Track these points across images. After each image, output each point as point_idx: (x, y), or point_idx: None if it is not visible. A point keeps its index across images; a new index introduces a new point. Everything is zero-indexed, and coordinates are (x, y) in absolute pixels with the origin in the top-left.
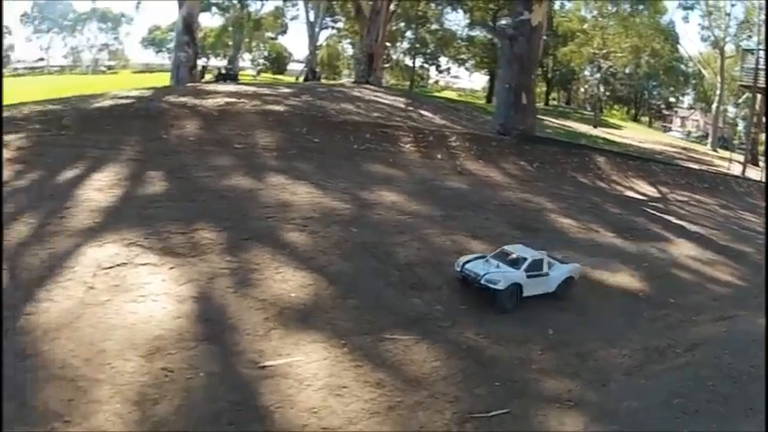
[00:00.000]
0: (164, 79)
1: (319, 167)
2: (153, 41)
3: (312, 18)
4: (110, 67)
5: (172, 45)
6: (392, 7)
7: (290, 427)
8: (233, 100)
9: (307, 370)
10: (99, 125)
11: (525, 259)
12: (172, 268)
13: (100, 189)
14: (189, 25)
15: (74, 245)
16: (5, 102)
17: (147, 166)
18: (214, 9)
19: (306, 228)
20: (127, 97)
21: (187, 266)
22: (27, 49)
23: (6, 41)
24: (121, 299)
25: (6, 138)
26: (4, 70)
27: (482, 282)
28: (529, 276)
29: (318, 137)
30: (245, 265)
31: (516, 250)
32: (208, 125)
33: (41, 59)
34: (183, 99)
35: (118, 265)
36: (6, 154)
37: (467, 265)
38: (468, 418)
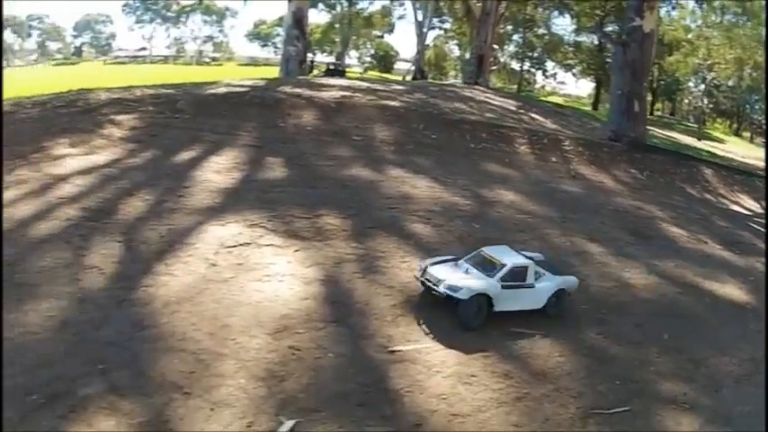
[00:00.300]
0: (271, 72)
1: (437, 163)
2: (258, 35)
3: (420, 18)
4: (214, 59)
5: (278, 39)
6: (501, 9)
7: (420, 412)
8: (348, 93)
9: (435, 357)
10: (214, 110)
11: (503, 266)
12: (297, 251)
13: (218, 171)
14: (299, 20)
15: (195, 222)
16: (115, 84)
17: (266, 153)
18: (321, 5)
19: (429, 220)
20: (240, 86)
21: (312, 250)
22: (129, 38)
23: (108, 30)
24: (246, 277)
25: (118, 117)
26: (106, 57)
27: (440, 288)
28: (505, 287)
29: (435, 133)
30: (370, 252)
31: (496, 254)
32: (325, 116)
33: (144, 49)
34: (297, 90)
35: (241, 245)
36: (118, 133)
37: (430, 269)
38: (591, 413)
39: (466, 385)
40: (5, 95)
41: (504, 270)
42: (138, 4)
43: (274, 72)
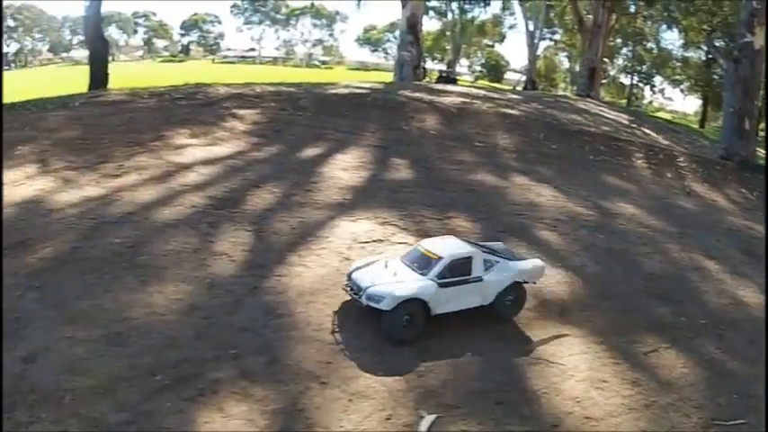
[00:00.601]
0: (382, 77)
1: (558, 173)
2: (368, 40)
3: (531, 28)
4: (324, 62)
5: (388, 45)
6: (611, 22)
7: (557, 413)
8: (467, 100)
9: (569, 361)
10: (337, 110)
11: (440, 260)
12: None
13: (345, 169)
14: (413, 25)
15: (326, 217)
16: (226, 81)
17: (391, 154)
18: (431, 13)
19: (556, 228)
20: (360, 87)
21: None
22: (237, 38)
23: (216, 30)
24: None
25: (240, 111)
26: (214, 56)
27: (363, 299)
28: (444, 285)
29: (555, 143)
30: None
31: (434, 246)
32: (447, 121)
33: (252, 50)
34: (417, 94)
35: (374, 241)
36: (241, 126)
37: (355, 275)
38: (712, 424)
39: (598, 390)
40: (114, 84)
41: (441, 265)
42: (246, 6)
43: (386, 77)
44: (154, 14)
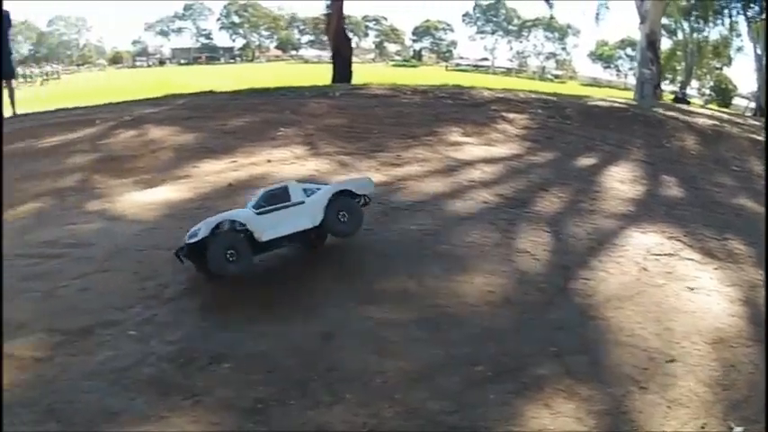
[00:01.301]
0: (616, 94)
1: None
2: (600, 56)
3: (759, 51)
4: (556, 76)
5: (620, 62)
6: None
7: None
8: (717, 123)
9: None
10: (601, 122)
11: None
12: (716, 269)
13: (622, 181)
14: (652, 42)
15: (616, 226)
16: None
17: (659, 171)
18: (662, 31)
19: None
20: (617, 102)
21: (728, 271)
22: (470, 47)
23: (448, 37)
24: (676, 286)
25: (509, 115)
26: (447, 63)
27: (186, 242)
28: (262, 213)
29: None
30: None
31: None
32: (704, 142)
33: (485, 59)
34: (671, 113)
35: (666, 255)
36: (512, 130)
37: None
38: None
39: None
40: (358, 80)
41: (255, 197)
42: (478, 15)
43: (620, 94)
44: (385, 19)
